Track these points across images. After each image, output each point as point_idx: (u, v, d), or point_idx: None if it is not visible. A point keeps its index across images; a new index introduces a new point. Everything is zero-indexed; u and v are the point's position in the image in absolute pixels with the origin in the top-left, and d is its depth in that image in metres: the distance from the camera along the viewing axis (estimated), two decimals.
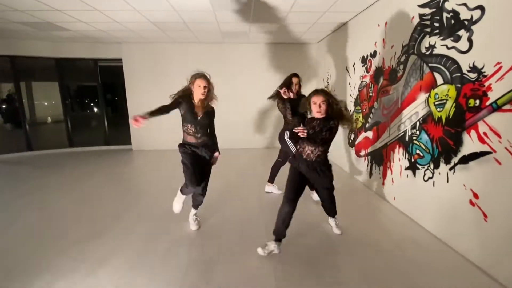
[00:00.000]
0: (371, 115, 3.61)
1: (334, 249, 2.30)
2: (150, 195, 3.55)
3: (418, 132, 2.67)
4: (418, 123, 2.66)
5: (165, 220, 2.80)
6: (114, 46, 5.98)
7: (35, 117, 6.56)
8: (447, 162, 2.29)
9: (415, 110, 2.70)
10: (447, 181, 2.29)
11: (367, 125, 3.71)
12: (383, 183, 3.31)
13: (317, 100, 2.14)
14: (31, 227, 2.73)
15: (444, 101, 2.33)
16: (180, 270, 2.03)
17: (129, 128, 6.32)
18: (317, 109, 2.14)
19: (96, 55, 6.06)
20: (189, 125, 2.51)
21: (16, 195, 3.62)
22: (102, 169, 4.89)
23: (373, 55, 3.53)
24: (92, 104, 7.06)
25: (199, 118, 2.49)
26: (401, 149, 2.95)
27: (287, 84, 3.06)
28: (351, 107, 4.25)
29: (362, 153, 3.87)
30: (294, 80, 3.09)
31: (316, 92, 2.17)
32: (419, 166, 2.65)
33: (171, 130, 6.42)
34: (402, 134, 2.92)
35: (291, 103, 2.93)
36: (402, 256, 2.18)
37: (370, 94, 3.61)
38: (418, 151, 2.67)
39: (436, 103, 2.42)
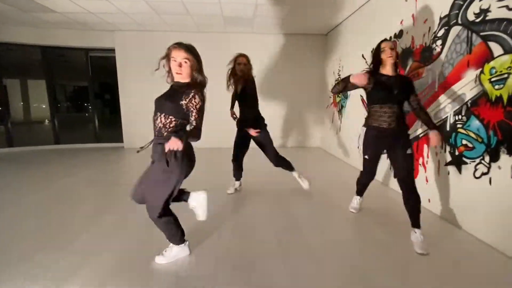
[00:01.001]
0: None
1: (382, 266, 1.78)
2: None
3: (465, 119, 2.18)
4: (464, 107, 2.18)
5: (150, 227, 2.27)
6: (107, 35, 5.51)
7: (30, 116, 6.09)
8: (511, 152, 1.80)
9: (460, 92, 2.22)
10: None
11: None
12: None
13: (386, 45, 2.04)
14: None
15: (505, 75, 1.85)
16: None
17: (120, 125, 5.81)
18: (388, 54, 2.01)
19: (86, 44, 5.59)
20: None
21: None
22: (88, 166, 4.35)
23: (399, 35, 3.06)
24: (81, 99, 6.59)
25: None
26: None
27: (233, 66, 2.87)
28: None
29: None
30: (239, 59, 2.79)
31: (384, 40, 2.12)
32: (467, 160, 2.15)
33: None
34: (440, 122, 2.43)
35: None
36: (457, 274, 1.66)
37: None
38: (465, 142, 2.18)
39: (493, 79, 1.93)
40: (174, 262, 1.78)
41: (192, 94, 1.59)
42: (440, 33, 2.44)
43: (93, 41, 5.56)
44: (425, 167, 2.63)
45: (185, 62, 1.63)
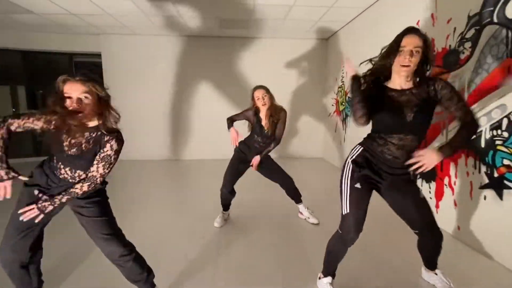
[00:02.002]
0: None
1: None
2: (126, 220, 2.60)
3: (506, 134, 1.83)
4: (505, 120, 1.83)
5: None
6: (92, 39, 5.11)
7: None
8: None
9: (498, 103, 1.87)
10: None
11: None
12: (437, 205, 2.44)
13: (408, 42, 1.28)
14: None
15: None
16: None
17: None
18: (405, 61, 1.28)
19: (71, 48, 5.18)
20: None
21: None
22: None
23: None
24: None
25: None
26: (470, 159, 2.10)
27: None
28: None
29: None
30: (257, 93, 2.31)
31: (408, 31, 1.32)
32: (511, 184, 1.80)
33: (156, 138, 5.58)
34: (473, 138, 2.08)
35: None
36: None
37: None
38: (507, 162, 1.82)
39: None
40: None
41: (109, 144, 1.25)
42: (469, 34, 2.11)
43: (77, 45, 5.16)
44: (452, 189, 2.27)
45: (85, 97, 1.20)
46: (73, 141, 1.22)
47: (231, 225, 2.50)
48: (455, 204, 2.25)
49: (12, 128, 1.24)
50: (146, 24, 4.49)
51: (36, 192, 1.25)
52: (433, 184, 2.49)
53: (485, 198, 1.99)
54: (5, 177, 1.23)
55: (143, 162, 5.19)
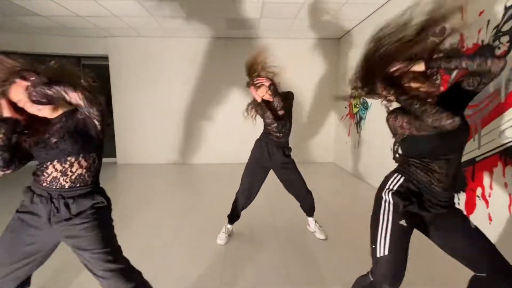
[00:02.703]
0: None
1: None
2: (131, 226, 2.46)
3: None
4: None
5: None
6: (99, 41, 5.07)
7: None
8: None
9: None
10: None
11: None
12: None
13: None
14: None
15: None
16: None
17: (113, 138, 5.31)
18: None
19: (78, 51, 5.15)
20: None
21: None
22: None
23: (440, 33, 2.50)
24: None
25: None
26: (509, 168, 1.85)
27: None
28: None
29: None
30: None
31: None
32: None
33: (164, 142, 5.46)
34: (510, 144, 1.84)
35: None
36: None
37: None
38: None
39: None
40: None
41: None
42: (506, 27, 1.87)
43: (85, 48, 5.13)
44: (487, 202, 2.02)
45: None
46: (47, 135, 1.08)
47: (236, 239, 2.30)
48: (490, 219, 1.99)
49: None
50: (153, 26, 4.40)
51: None
52: (462, 195, 2.24)
53: None
54: None
55: (151, 166, 5.09)
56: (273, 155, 2.13)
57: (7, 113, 1.03)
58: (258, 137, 2.26)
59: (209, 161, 5.33)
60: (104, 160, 4.37)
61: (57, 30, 4.67)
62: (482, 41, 2.06)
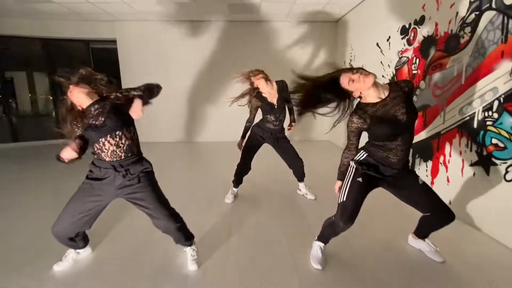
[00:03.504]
0: (414, 98, 2.90)
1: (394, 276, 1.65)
2: None
3: (496, 115, 1.97)
4: (496, 102, 1.97)
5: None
6: (107, 25, 5.31)
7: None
8: None
9: (491, 86, 2.00)
10: None
11: None
12: (432, 182, 2.63)
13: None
14: None
15: None
16: None
17: None
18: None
19: (87, 35, 5.41)
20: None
21: None
22: None
23: (420, 21, 2.81)
24: None
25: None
26: (463, 139, 2.26)
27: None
28: None
29: None
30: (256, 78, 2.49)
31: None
32: (497, 161, 1.97)
33: (170, 122, 5.85)
34: (466, 118, 2.23)
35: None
36: (479, 278, 1.52)
37: (414, 71, 2.90)
38: (495, 141, 1.98)
39: None
40: (183, 274, 1.68)
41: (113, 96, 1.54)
42: (470, 19, 2.20)
43: (93, 32, 5.38)
44: (446, 167, 2.45)
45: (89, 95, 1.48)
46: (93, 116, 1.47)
47: (241, 200, 2.77)
48: (448, 181, 2.43)
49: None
50: (158, 10, 4.63)
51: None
52: (430, 163, 2.67)
53: (474, 174, 2.17)
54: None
55: (160, 144, 5.52)
56: (268, 138, 2.60)
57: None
58: (256, 123, 2.65)
59: (214, 139, 5.75)
60: None
61: (67, 16, 4.91)
62: (451, 30, 2.39)
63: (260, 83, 2.44)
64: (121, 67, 5.48)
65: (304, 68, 5.48)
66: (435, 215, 1.64)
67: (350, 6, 4.46)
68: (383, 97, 1.46)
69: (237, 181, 2.73)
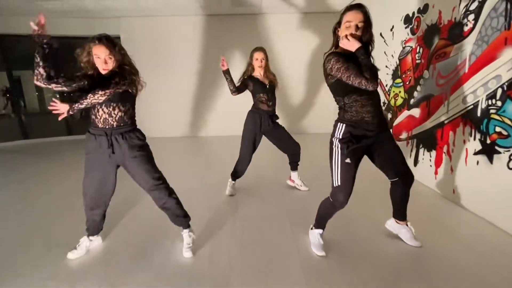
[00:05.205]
0: (418, 88, 2.89)
1: (402, 268, 1.68)
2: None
3: (499, 103, 1.97)
4: (500, 90, 1.95)
5: (164, 220, 2.23)
6: (112, 22, 5.35)
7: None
8: None
9: (494, 73, 1.99)
10: None
11: (412, 100, 2.99)
12: (436, 172, 2.63)
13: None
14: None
15: None
16: None
17: None
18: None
19: (91, 32, 5.41)
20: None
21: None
22: None
23: (423, 10, 2.78)
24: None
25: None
26: (467, 128, 2.26)
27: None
28: (388, 81, 3.53)
29: (404, 135, 3.18)
30: (258, 55, 2.52)
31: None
32: (500, 149, 1.96)
33: (173, 117, 5.91)
34: (470, 107, 2.22)
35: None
36: (491, 275, 1.55)
37: (418, 61, 2.88)
38: (499, 129, 1.98)
39: None
40: (188, 263, 1.74)
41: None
42: (473, 7, 2.17)
43: (98, 29, 5.32)
44: (450, 156, 2.45)
45: (110, 58, 1.55)
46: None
47: (241, 192, 2.82)
48: (451, 170, 2.44)
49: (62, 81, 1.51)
50: (161, 4, 4.65)
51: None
52: (433, 153, 2.67)
53: (477, 163, 2.17)
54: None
55: (161, 139, 5.60)
56: (264, 122, 2.57)
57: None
58: (250, 109, 2.65)
59: (217, 133, 5.80)
60: None
61: (71, 13, 4.97)
62: (455, 18, 2.36)
63: (257, 62, 2.50)
64: None
65: (304, 59, 5.46)
66: (397, 181, 1.69)
67: None
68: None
69: (235, 174, 2.72)
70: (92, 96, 1.47)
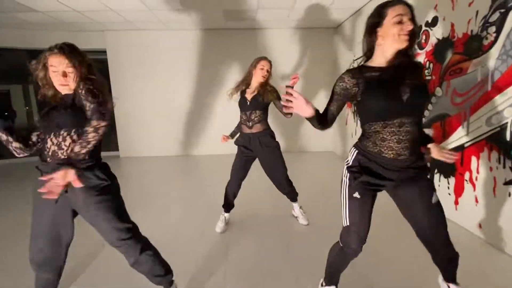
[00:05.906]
0: (429, 107, 2.63)
1: None
2: (135, 218, 2.58)
3: None
4: None
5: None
6: (97, 35, 5.08)
7: None
8: None
9: None
10: None
11: (424, 120, 2.73)
12: (456, 202, 2.32)
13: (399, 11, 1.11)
14: None
15: None
16: None
17: (115, 131, 5.39)
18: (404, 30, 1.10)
19: (76, 45, 5.16)
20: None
21: None
22: None
23: (432, 23, 2.57)
24: None
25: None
26: (494, 153, 1.97)
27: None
28: None
29: None
30: (265, 64, 2.27)
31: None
32: None
33: (164, 135, 5.55)
34: (497, 130, 1.94)
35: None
36: None
37: (428, 77, 2.64)
38: None
39: None
40: None
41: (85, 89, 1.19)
42: (494, 18, 1.94)
43: (83, 42, 5.11)
44: (474, 185, 2.15)
45: (70, 71, 1.20)
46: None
47: (234, 226, 2.43)
48: (476, 201, 2.12)
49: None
50: (150, 19, 4.41)
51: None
52: (452, 179, 2.37)
53: (510, 194, 1.86)
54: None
55: (153, 158, 5.20)
56: (250, 144, 2.24)
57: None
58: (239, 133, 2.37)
59: (210, 152, 5.44)
60: (107, 153, 4.61)
61: (54, 26, 4.68)
62: (471, 31, 2.13)
63: (262, 72, 2.24)
64: (111, 78, 5.21)
65: (301, 76, 5.25)
66: (434, 248, 1.26)
67: (350, 12, 4.26)
68: (394, 63, 1.13)
69: (227, 205, 2.37)
70: (93, 133, 1.13)
